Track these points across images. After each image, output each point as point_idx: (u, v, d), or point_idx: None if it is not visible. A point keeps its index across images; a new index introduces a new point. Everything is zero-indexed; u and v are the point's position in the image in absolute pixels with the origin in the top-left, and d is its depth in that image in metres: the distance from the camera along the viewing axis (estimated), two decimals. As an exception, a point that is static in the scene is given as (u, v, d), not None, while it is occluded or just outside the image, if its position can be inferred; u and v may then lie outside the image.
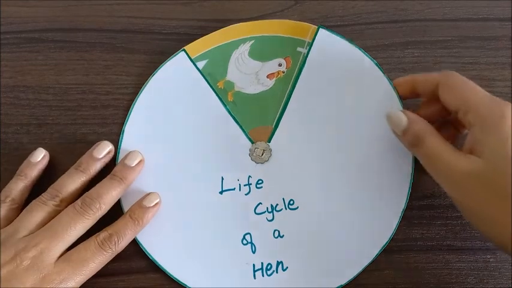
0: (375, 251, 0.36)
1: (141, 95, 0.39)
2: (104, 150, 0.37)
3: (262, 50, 0.40)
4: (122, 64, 0.41)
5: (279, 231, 0.37)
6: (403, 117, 0.34)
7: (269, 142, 0.38)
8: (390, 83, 0.38)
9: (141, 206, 0.36)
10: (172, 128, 0.39)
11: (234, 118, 0.39)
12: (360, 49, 0.39)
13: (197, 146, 0.38)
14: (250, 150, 0.38)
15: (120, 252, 0.36)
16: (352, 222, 0.37)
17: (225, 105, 0.39)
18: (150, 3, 0.43)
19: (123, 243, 0.35)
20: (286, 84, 0.39)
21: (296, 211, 0.37)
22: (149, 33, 0.42)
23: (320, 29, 0.40)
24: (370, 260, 0.36)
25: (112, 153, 0.38)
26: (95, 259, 0.34)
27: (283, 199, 0.37)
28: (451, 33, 0.41)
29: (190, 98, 0.39)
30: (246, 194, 0.38)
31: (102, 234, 0.35)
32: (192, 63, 0.39)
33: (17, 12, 0.43)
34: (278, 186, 0.38)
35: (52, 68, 0.41)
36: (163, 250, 0.37)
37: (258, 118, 0.39)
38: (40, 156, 0.38)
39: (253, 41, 0.40)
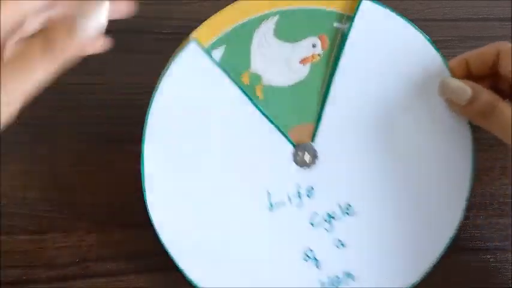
0: (439, 247, 0.34)
1: (153, 104, 0.32)
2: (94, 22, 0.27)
3: (290, 28, 0.32)
4: (121, 64, 0.41)
5: (340, 241, 0.34)
6: (465, 86, 0.32)
7: (313, 142, 0.34)
8: (446, 64, 0.34)
9: (70, 28, 0.26)
10: (197, 141, 0.33)
11: (268, 118, 0.33)
12: (412, 24, 0.33)
13: (231, 159, 0.33)
14: (293, 154, 0.33)
15: (120, 252, 0.36)
16: (413, 220, 0.34)
17: (255, 104, 0.33)
18: (150, 3, 0.43)
19: None
20: (325, 70, 0.33)
21: (354, 216, 0.34)
22: (149, 33, 0.42)
23: (363, 0, 0.32)
24: (440, 253, 0.34)
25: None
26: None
27: (339, 205, 0.34)
28: (451, 33, 0.42)
29: (213, 100, 0.33)
30: (298, 206, 0.34)
31: None
32: (206, 56, 0.32)
33: (17, 12, 0.43)
34: (331, 192, 0.34)
35: (52, 68, 0.41)
36: (210, 279, 0.33)
37: (296, 115, 0.33)
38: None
39: (277, 17, 0.32)
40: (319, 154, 0.34)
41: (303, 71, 0.33)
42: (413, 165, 0.34)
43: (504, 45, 0.32)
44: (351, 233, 0.34)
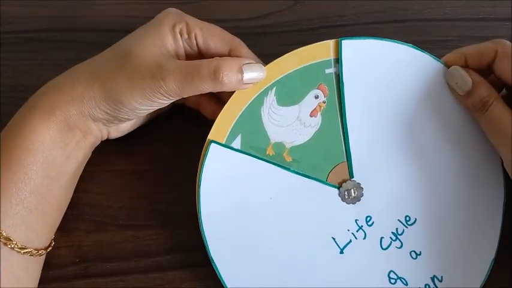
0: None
1: (201, 210, 0.35)
2: (254, 75, 0.34)
3: (289, 92, 0.35)
4: (121, 64, 0.41)
5: (415, 251, 0.35)
6: (467, 78, 0.33)
7: (353, 177, 0.36)
8: (441, 62, 0.35)
9: (239, 69, 0.33)
10: (253, 222, 0.35)
11: (305, 175, 0.35)
12: (393, 41, 0.35)
13: (289, 225, 0.35)
14: (340, 196, 0.35)
15: (120, 252, 0.36)
16: (464, 212, 0.35)
17: (288, 169, 0.35)
18: (150, 3, 0.43)
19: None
20: (335, 112, 0.35)
21: (416, 224, 0.35)
22: (149, 33, 0.42)
23: (343, 41, 0.35)
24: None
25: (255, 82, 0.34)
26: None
27: (399, 220, 0.35)
28: (451, 33, 0.41)
29: (251, 183, 0.35)
30: (364, 239, 0.35)
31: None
32: (228, 149, 0.35)
33: (17, 12, 0.43)
34: (387, 212, 0.35)
35: (52, 68, 0.41)
36: None
37: (327, 160, 0.35)
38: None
39: (275, 88, 0.35)
40: (362, 185, 0.35)
41: (317, 121, 0.35)
42: (448, 163, 0.36)
43: (503, 46, 0.32)
44: (420, 240, 0.35)
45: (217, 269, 0.34)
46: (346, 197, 0.35)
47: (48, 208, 0.33)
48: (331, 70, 0.35)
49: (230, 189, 0.35)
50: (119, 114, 0.34)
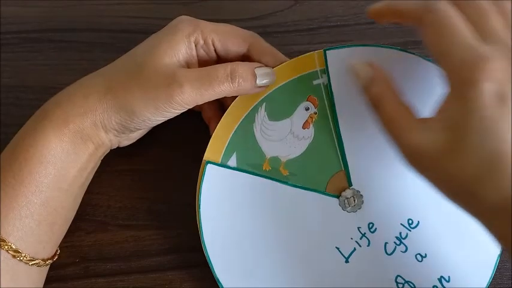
0: None
1: (203, 229, 0.35)
2: (266, 79, 0.34)
3: (279, 106, 0.36)
4: (121, 64, 0.41)
5: (420, 254, 0.35)
6: (366, 73, 0.31)
7: (351, 186, 0.35)
8: (431, 61, 0.34)
9: (253, 73, 0.34)
10: (255, 239, 0.35)
11: (303, 188, 0.35)
12: (377, 46, 0.35)
13: (292, 238, 0.35)
14: (340, 205, 0.35)
15: (120, 252, 0.36)
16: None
17: (286, 183, 0.35)
18: (150, 3, 0.43)
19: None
20: (327, 122, 0.36)
21: (420, 226, 0.35)
22: (149, 33, 0.42)
23: (327, 51, 0.35)
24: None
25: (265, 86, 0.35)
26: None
27: (402, 224, 0.35)
28: (451, 33, 0.41)
29: (251, 200, 0.35)
30: (368, 246, 0.35)
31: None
32: (224, 168, 0.35)
33: (17, 12, 0.43)
34: (389, 218, 0.35)
35: (52, 68, 0.41)
36: None
37: (324, 171, 0.36)
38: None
39: (264, 104, 0.35)
40: (362, 192, 0.35)
41: (310, 133, 0.36)
42: None
43: (426, 13, 0.28)
44: (425, 242, 0.35)
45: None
46: (347, 205, 0.35)
47: (57, 219, 0.33)
48: (319, 81, 0.35)
49: (230, 208, 0.35)
50: (131, 125, 0.33)
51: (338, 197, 0.35)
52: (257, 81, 0.34)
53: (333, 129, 0.36)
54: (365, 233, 0.35)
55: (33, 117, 0.34)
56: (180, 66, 0.33)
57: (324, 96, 0.35)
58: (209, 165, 0.35)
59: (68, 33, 0.42)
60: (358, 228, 0.35)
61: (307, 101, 0.35)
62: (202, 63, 0.35)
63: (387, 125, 0.30)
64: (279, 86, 0.35)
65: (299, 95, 0.35)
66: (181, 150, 0.39)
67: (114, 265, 0.37)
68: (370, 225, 0.35)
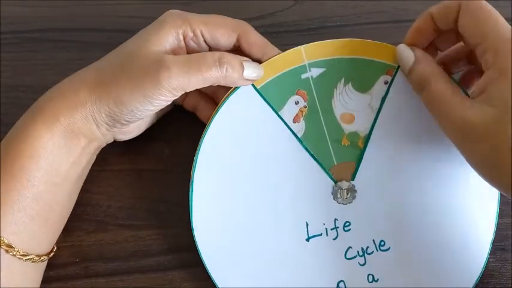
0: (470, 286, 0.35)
1: (206, 135, 0.35)
2: (254, 73, 0.34)
3: (269, 102, 0.35)
4: (122, 64, 0.41)
5: (373, 276, 0.35)
6: (410, 54, 0.33)
7: (353, 180, 0.35)
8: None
9: (241, 64, 0.34)
10: (244, 170, 0.35)
11: (311, 155, 0.35)
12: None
13: (274, 189, 0.35)
14: (332, 190, 0.35)
15: (120, 252, 0.36)
16: (444, 258, 0.35)
17: (300, 141, 0.35)
18: (150, 3, 0.43)
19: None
20: (317, 115, 0.35)
21: (388, 252, 0.35)
22: (149, 33, 0.42)
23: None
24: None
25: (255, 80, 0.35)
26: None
27: (374, 240, 0.35)
28: (451, 33, 0.41)
29: (261, 134, 0.35)
30: (334, 239, 0.35)
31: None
32: (258, 95, 0.35)
33: (17, 12, 0.43)
34: (367, 228, 0.35)
35: (52, 68, 0.41)
36: None
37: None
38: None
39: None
40: (357, 192, 0.35)
41: (301, 127, 0.35)
42: (446, 202, 0.35)
43: (466, 1, 0.31)
44: (384, 268, 0.35)
45: (195, 237, 0.34)
46: (338, 195, 0.35)
47: (51, 214, 0.33)
48: (307, 74, 0.35)
49: (239, 132, 0.35)
50: (121, 117, 0.33)
51: (336, 182, 0.35)
52: (244, 73, 0.33)
53: (324, 123, 0.35)
54: (338, 227, 0.35)
55: (25, 113, 0.34)
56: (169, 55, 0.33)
57: (313, 89, 0.35)
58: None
59: (68, 33, 0.42)
60: (335, 219, 0.35)
61: (296, 95, 0.35)
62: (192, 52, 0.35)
63: (436, 102, 0.31)
64: (268, 80, 0.35)
65: (288, 89, 0.35)
66: (181, 149, 0.39)
67: (114, 265, 0.37)
68: (347, 223, 0.35)
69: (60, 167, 0.33)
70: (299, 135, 0.35)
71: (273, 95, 0.35)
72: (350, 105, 0.35)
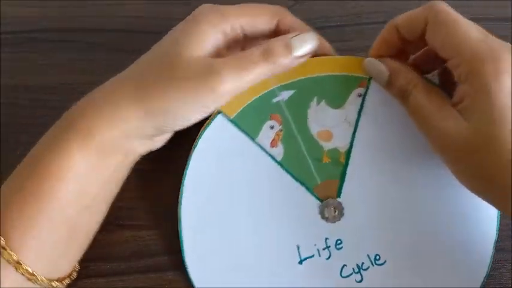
0: None
1: (188, 170, 0.35)
2: (306, 47, 0.32)
3: (244, 130, 0.35)
4: (121, 64, 0.41)
5: None
6: (383, 69, 0.31)
7: (339, 197, 0.35)
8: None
9: (287, 45, 0.31)
10: (230, 199, 0.35)
11: (293, 177, 0.35)
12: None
13: (261, 216, 0.35)
14: (319, 210, 0.35)
15: (120, 252, 0.36)
16: (444, 264, 0.34)
17: (280, 165, 0.35)
18: (150, 3, 0.43)
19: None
20: (294, 137, 0.35)
21: (384, 266, 0.34)
22: (149, 33, 0.42)
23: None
24: None
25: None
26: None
27: (368, 256, 0.34)
28: (451, 33, 0.41)
29: (242, 164, 0.35)
30: (327, 259, 0.34)
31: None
32: (232, 125, 0.35)
33: (17, 12, 0.43)
34: (359, 243, 0.35)
35: (52, 68, 0.41)
36: None
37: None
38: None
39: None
40: (345, 208, 0.35)
41: (279, 151, 0.35)
42: (438, 211, 0.34)
43: (434, 12, 0.29)
44: (382, 283, 0.34)
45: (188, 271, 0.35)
46: (325, 214, 0.35)
47: (77, 235, 0.31)
48: (278, 98, 0.35)
49: (220, 165, 0.35)
50: (169, 128, 0.32)
51: (321, 201, 0.35)
52: (295, 54, 0.31)
53: (302, 142, 0.35)
54: (329, 246, 0.35)
55: (54, 128, 0.31)
56: (212, 57, 0.32)
57: (286, 112, 0.35)
58: (220, 116, 0.34)
59: (68, 33, 0.42)
60: (326, 239, 0.35)
61: (270, 119, 0.35)
62: (231, 45, 0.33)
63: (417, 114, 0.30)
64: (241, 109, 0.34)
65: (262, 114, 0.34)
66: (182, 149, 0.39)
67: (114, 265, 0.37)
68: (338, 241, 0.35)
69: (91, 188, 0.31)
70: (278, 159, 0.35)
71: (247, 123, 0.34)
72: (326, 122, 0.35)
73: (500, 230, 0.36)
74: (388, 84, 0.32)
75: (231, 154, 0.35)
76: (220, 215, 0.35)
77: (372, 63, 0.32)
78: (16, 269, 0.29)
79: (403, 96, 0.31)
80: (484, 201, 0.31)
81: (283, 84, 0.34)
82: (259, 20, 0.33)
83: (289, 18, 0.33)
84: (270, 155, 0.35)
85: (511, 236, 0.37)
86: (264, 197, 0.35)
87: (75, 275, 0.33)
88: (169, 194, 0.38)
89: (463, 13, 0.42)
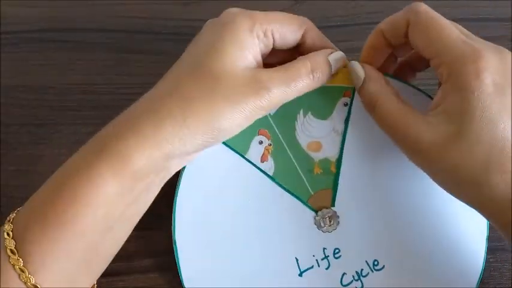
0: None
1: (179, 191, 0.34)
2: (339, 64, 0.32)
3: (233, 147, 0.34)
4: (122, 64, 0.41)
5: None
6: (361, 72, 0.31)
7: (333, 206, 0.35)
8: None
9: (328, 63, 0.31)
10: (225, 218, 0.34)
11: (286, 190, 0.35)
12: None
13: (257, 231, 0.34)
14: (315, 220, 0.35)
15: (120, 252, 0.36)
16: (441, 264, 0.34)
17: (272, 179, 0.35)
18: (150, 3, 0.43)
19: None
20: (284, 150, 0.35)
21: (383, 271, 0.34)
22: (149, 33, 0.42)
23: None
24: None
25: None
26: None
27: (367, 262, 0.34)
28: (451, 33, 0.41)
29: (233, 181, 0.34)
30: (326, 269, 0.34)
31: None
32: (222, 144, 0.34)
33: (17, 12, 0.43)
34: (357, 250, 0.34)
35: (52, 68, 0.41)
36: None
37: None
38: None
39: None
40: (340, 217, 0.35)
41: (270, 165, 0.35)
42: (431, 211, 0.34)
43: (414, 14, 0.29)
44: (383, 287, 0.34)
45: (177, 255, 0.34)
46: (321, 224, 0.35)
47: (97, 258, 0.30)
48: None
49: (212, 184, 0.34)
50: (215, 143, 0.30)
51: (316, 212, 0.35)
52: (333, 69, 0.32)
53: (291, 156, 0.35)
54: (328, 256, 0.35)
55: (85, 149, 0.29)
56: (254, 67, 0.31)
57: (274, 126, 0.34)
58: None
59: (68, 33, 0.42)
60: (324, 248, 0.35)
61: (258, 135, 0.34)
62: (262, 55, 0.32)
63: (386, 123, 0.30)
64: None
65: (249, 131, 0.32)
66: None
67: (114, 265, 0.36)
68: (336, 250, 0.35)
69: (115, 211, 0.29)
70: (270, 174, 0.34)
71: (235, 140, 0.33)
72: (314, 134, 0.35)
73: (500, 230, 0.36)
74: (360, 90, 0.31)
75: (221, 172, 0.34)
76: (216, 234, 0.34)
77: (353, 65, 0.32)
78: None
79: (371, 104, 0.31)
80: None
81: None
82: (289, 28, 0.32)
83: (315, 32, 0.33)
84: (261, 170, 0.35)
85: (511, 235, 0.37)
86: (259, 212, 0.34)
87: None
88: (169, 194, 0.38)
89: (462, 13, 0.42)
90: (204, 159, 0.34)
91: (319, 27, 0.38)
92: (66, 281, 0.28)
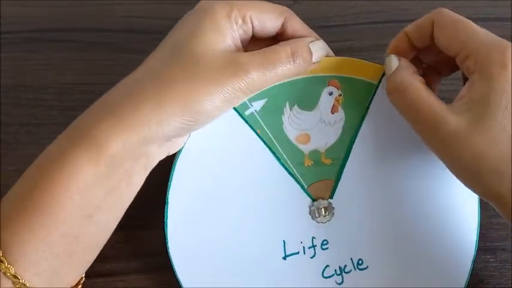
0: None
1: (181, 153, 0.34)
2: (321, 54, 0.33)
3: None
4: (122, 64, 0.41)
5: None
6: (395, 61, 0.32)
7: (331, 198, 0.35)
8: None
9: (309, 49, 0.32)
10: (220, 188, 0.34)
11: (289, 172, 0.35)
12: None
13: (251, 207, 0.34)
14: (310, 209, 0.35)
15: (120, 252, 0.36)
16: (423, 277, 0.34)
17: (278, 159, 0.35)
18: (150, 3, 0.43)
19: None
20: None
21: (366, 271, 0.34)
22: (149, 33, 0.42)
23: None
24: None
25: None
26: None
27: (352, 259, 0.34)
28: (451, 33, 0.41)
29: (238, 152, 0.34)
30: (311, 257, 0.34)
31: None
32: (234, 111, 0.34)
33: (17, 12, 0.43)
34: (345, 246, 0.35)
35: (52, 68, 0.41)
36: None
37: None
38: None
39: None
40: (335, 210, 0.35)
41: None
42: (425, 221, 0.34)
43: (438, 15, 0.31)
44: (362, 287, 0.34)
45: (171, 258, 0.34)
46: (316, 213, 0.35)
47: (78, 248, 0.29)
48: (250, 110, 0.34)
49: (214, 150, 0.34)
50: (194, 126, 0.30)
51: (313, 201, 0.35)
52: (314, 57, 0.32)
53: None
54: (315, 246, 0.35)
55: (62, 137, 0.29)
56: (233, 50, 0.31)
57: (261, 122, 0.34)
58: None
59: (68, 33, 0.42)
60: (313, 238, 0.35)
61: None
62: (242, 42, 0.33)
63: (412, 109, 0.30)
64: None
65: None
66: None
67: (114, 265, 0.37)
68: (325, 242, 0.35)
69: (95, 197, 0.28)
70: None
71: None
72: (302, 126, 0.34)
73: (500, 230, 0.36)
74: (392, 75, 0.31)
75: (227, 141, 0.34)
76: (209, 202, 0.34)
77: (389, 56, 0.32)
78: (13, 283, 0.27)
79: (400, 88, 0.31)
80: (468, 200, 0.32)
81: (253, 94, 0.33)
82: (268, 15, 0.32)
83: (296, 21, 0.33)
84: (270, 148, 0.35)
85: (511, 236, 0.37)
86: (257, 188, 0.34)
87: (79, 286, 0.33)
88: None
89: (463, 13, 0.42)
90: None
91: (319, 27, 0.38)
92: (48, 272, 0.28)
